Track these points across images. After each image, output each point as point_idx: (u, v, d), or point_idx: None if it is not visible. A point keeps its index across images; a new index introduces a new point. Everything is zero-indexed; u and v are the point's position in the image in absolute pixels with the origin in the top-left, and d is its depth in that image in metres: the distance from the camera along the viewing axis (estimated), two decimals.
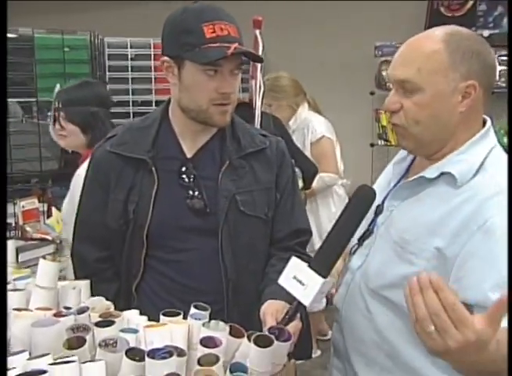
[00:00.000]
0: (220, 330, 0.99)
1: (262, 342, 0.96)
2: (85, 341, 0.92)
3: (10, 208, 2.64)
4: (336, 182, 3.13)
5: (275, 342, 0.97)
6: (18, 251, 1.56)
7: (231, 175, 1.38)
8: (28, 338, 0.97)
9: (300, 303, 1.04)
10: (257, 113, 2.39)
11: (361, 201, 1.08)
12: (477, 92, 1.08)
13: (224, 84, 1.30)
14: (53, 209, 2.26)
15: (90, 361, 0.90)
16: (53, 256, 1.44)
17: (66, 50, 3.38)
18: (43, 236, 2.18)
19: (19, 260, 1.55)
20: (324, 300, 2.71)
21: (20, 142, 3.02)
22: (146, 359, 0.88)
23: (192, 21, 1.28)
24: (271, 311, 1.16)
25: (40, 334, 0.95)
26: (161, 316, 1.07)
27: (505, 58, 3.41)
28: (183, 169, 1.39)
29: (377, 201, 1.19)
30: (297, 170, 1.98)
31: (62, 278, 1.47)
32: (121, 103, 3.73)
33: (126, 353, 0.90)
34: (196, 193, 1.37)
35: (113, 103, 2.29)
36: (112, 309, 1.12)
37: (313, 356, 2.86)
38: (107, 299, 1.18)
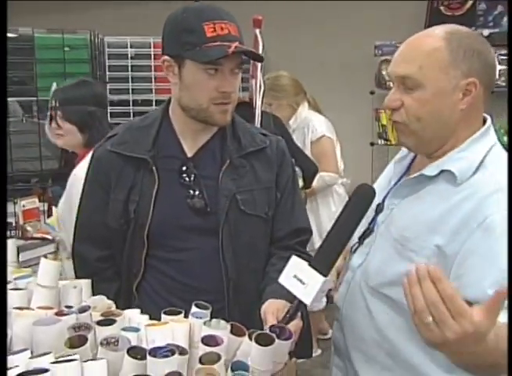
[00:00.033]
0: (221, 329, 1.00)
1: (263, 341, 0.96)
2: (87, 339, 0.93)
3: (10, 208, 2.64)
4: (336, 181, 3.13)
5: (277, 341, 0.97)
6: (18, 250, 1.56)
7: (231, 175, 1.38)
8: (30, 336, 0.97)
9: (300, 302, 1.04)
10: (258, 112, 2.39)
11: (360, 200, 1.08)
12: (478, 89, 1.09)
13: (224, 83, 1.31)
14: (53, 208, 2.25)
15: (92, 360, 0.90)
16: (54, 255, 1.44)
17: (67, 50, 3.38)
18: (43, 235, 2.18)
19: (20, 259, 1.55)
20: (324, 299, 2.71)
21: (21, 141, 3.03)
22: (148, 357, 0.88)
23: (193, 20, 1.29)
24: (272, 310, 1.16)
25: (41, 332, 0.95)
26: (163, 315, 1.07)
27: (505, 57, 3.42)
28: (184, 168, 1.39)
29: (378, 200, 1.19)
30: (297, 169, 1.98)
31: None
32: (121, 103, 3.74)
33: (128, 352, 0.90)
34: (197, 192, 1.37)
35: (107, 102, 2.27)
36: (113, 307, 1.12)
37: (313, 355, 2.85)
38: (108, 299, 1.18)
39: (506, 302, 0.89)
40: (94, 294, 1.22)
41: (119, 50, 3.73)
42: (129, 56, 3.73)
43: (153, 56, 3.70)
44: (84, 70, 3.47)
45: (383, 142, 4.01)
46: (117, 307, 1.15)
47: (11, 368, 0.88)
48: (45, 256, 1.18)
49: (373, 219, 1.21)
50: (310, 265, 1.04)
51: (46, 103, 2.20)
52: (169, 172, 1.39)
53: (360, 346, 1.19)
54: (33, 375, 0.82)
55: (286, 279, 1.06)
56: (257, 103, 2.40)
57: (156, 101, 3.70)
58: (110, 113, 3.70)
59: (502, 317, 0.86)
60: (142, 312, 1.16)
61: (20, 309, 1.04)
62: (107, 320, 1.01)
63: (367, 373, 1.18)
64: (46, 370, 0.83)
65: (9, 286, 1.15)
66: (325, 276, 1.02)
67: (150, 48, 3.70)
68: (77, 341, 0.93)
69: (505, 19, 3.73)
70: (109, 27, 3.73)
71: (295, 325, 1.07)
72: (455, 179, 1.09)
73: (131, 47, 3.74)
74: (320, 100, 3.29)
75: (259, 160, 1.43)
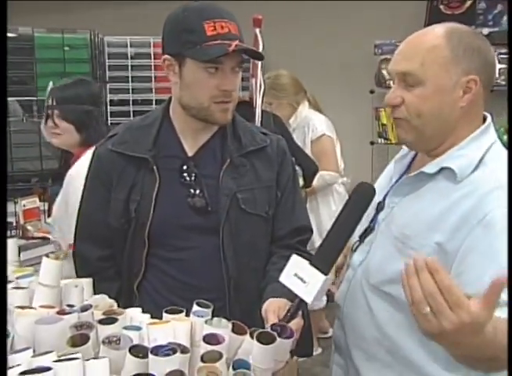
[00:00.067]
0: (223, 328, 1.00)
1: (265, 339, 0.97)
2: (89, 338, 0.93)
3: (11, 207, 2.64)
4: (336, 180, 3.13)
5: (278, 339, 0.98)
6: (19, 250, 1.56)
7: (232, 174, 1.39)
8: (32, 335, 0.97)
9: (301, 300, 1.05)
10: (258, 111, 2.39)
11: (360, 198, 1.09)
12: (478, 87, 1.09)
13: (225, 81, 1.31)
14: (54, 208, 2.25)
15: (94, 358, 0.90)
16: (56, 254, 1.44)
17: (66, 49, 3.38)
18: (44, 235, 2.18)
19: (21, 259, 1.55)
20: (324, 298, 2.72)
21: (21, 141, 3.02)
22: (150, 356, 0.89)
23: (194, 19, 1.29)
24: (273, 309, 1.16)
25: (44, 331, 0.95)
26: (164, 314, 1.07)
27: (504, 56, 3.42)
28: (184, 168, 1.39)
29: (378, 198, 1.19)
30: (297, 168, 1.98)
31: None
32: (121, 102, 3.74)
33: (130, 350, 0.90)
34: (198, 191, 1.37)
35: (102, 102, 2.26)
36: (115, 306, 1.13)
37: (314, 353, 2.86)
38: (109, 298, 1.18)
39: (505, 299, 0.90)
40: (95, 293, 1.22)
41: (119, 49, 3.73)
42: (129, 55, 3.73)
43: (152, 56, 3.70)
44: (84, 70, 3.47)
45: (383, 141, 4.00)
46: (118, 306, 1.15)
47: (13, 367, 0.88)
48: (47, 255, 1.18)
49: (374, 217, 1.21)
50: (311, 263, 1.05)
51: None
52: (170, 172, 1.39)
53: (361, 344, 1.20)
54: (35, 374, 0.82)
55: (286, 277, 1.07)
56: (257, 102, 2.40)
57: (156, 100, 3.70)
58: (110, 112, 3.72)
59: (501, 312, 0.87)
60: (143, 312, 1.16)
61: (22, 307, 1.05)
62: (109, 319, 1.02)
63: (368, 370, 1.18)
64: (49, 369, 0.83)
65: (10, 285, 1.16)
66: (326, 274, 1.02)
67: (150, 47, 3.70)
68: (79, 339, 0.93)
69: (505, 18, 3.73)
70: (109, 27, 3.73)
71: (296, 323, 1.08)
72: (455, 177, 1.09)
73: (130, 46, 3.74)
74: (320, 99, 3.29)
75: (260, 159, 1.43)
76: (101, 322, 1.01)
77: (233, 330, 1.01)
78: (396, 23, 3.67)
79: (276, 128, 2.40)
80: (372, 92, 3.94)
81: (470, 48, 1.09)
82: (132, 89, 3.75)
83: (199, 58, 1.28)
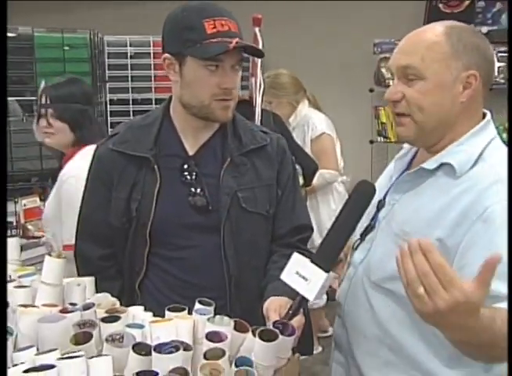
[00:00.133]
0: (225, 325, 1.01)
1: (267, 337, 0.97)
2: (92, 336, 0.94)
3: (11, 207, 2.65)
4: (336, 178, 3.13)
5: (280, 337, 0.98)
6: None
7: (232, 172, 1.39)
8: (35, 333, 0.98)
9: (303, 298, 1.05)
10: (258, 110, 2.39)
11: (361, 196, 1.09)
12: (478, 82, 1.10)
13: (225, 79, 1.31)
14: (45, 209, 2.23)
15: (97, 356, 0.90)
16: (58, 253, 1.44)
17: (66, 49, 3.37)
18: (44, 234, 2.18)
19: (21, 258, 1.56)
20: (324, 296, 2.72)
21: (21, 140, 3.02)
22: (153, 353, 0.89)
23: (193, 18, 1.30)
24: (274, 307, 1.17)
25: (47, 329, 0.95)
26: (167, 312, 1.08)
27: (504, 54, 3.43)
28: (185, 167, 1.39)
29: (379, 196, 1.20)
30: (297, 167, 1.99)
31: None
32: (121, 101, 3.74)
33: (133, 348, 0.91)
34: (198, 190, 1.38)
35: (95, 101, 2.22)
36: (117, 305, 1.13)
37: (314, 352, 2.87)
38: (112, 297, 1.18)
39: (504, 292, 0.91)
40: (97, 292, 1.23)
41: (118, 49, 3.73)
42: (129, 54, 3.73)
43: (152, 55, 3.70)
44: (83, 69, 3.47)
45: (382, 139, 4.02)
46: (121, 304, 1.16)
47: (17, 365, 0.89)
48: (49, 254, 1.18)
49: (375, 215, 1.22)
50: (312, 261, 1.05)
51: None
52: (171, 171, 1.39)
53: (362, 341, 1.20)
54: (39, 371, 0.83)
55: (288, 275, 1.07)
56: (257, 101, 2.41)
57: (155, 100, 3.70)
58: (110, 111, 3.72)
59: (503, 304, 0.88)
60: (145, 310, 1.17)
61: (25, 306, 1.05)
62: (112, 317, 1.02)
63: (369, 368, 1.19)
64: (52, 367, 0.83)
65: (13, 284, 1.16)
66: (327, 272, 1.03)
67: (150, 46, 3.70)
68: (82, 337, 0.93)
69: (503, 16, 3.74)
70: (109, 27, 3.73)
71: (298, 321, 1.08)
72: (454, 172, 1.10)
73: (130, 46, 3.73)
74: (320, 98, 3.29)
75: (260, 158, 1.43)
76: (104, 320, 1.01)
77: (235, 328, 1.01)
78: (395, 23, 3.68)
79: (276, 127, 2.41)
80: (371, 90, 3.95)
81: (469, 44, 1.10)
82: (132, 88, 3.75)
83: (199, 56, 1.29)
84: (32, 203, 2.50)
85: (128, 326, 1.01)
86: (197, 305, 1.08)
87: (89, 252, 1.46)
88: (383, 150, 3.97)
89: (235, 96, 1.36)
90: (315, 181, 2.90)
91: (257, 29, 2.34)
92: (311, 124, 3.08)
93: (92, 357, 0.89)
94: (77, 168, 1.86)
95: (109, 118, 3.71)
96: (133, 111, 3.69)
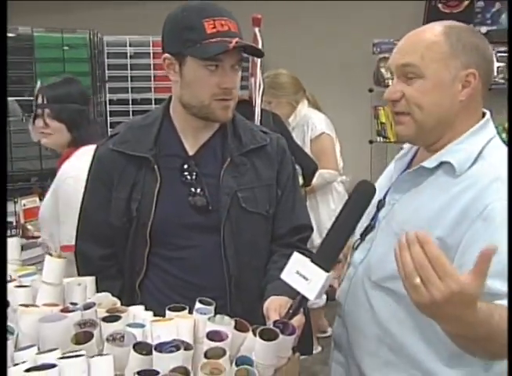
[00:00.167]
0: (225, 325, 1.01)
1: (267, 336, 0.97)
2: (93, 335, 0.94)
3: (11, 207, 2.65)
4: (335, 178, 3.13)
5: (281, 336, 0.98)
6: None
7: (232, 172, 1.39)
8: (36, 333, 0.98)
9: (303, 298, 1.05)
10: (257, 110, 2.40)
11: (361, 196, 1.09)
12: (477, 81, 1.10)
13: (225, 79, 1.32)
14: (41, 210, 2.22)
15: (98, 355, 0.91)
16: (58, 253, 1.45)
17: (66, 49, 3.37)
18: (41, 235, 2.17)
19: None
20: (324, 296, 2.73)
21: (20, 140, 3.01)
22: (154, 352, 0.90)
23: (193, 18, 1.30)
24: (274, 306, 1.17)
25: (48, 328, 0.96)
26: (167, 311, 1.08)
27: (503, 54, 3.43)
28: (185, 166, 1.40)
29: (379, 196, 1.20)
30: (296, 167, 1.99)
31: None
32: (121, 101, 3.74)
33: (134, 347, 0.91)
34: (198, 190, 1.38)
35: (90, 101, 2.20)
36: (118, 304, 1.13)
37: (314, 352, 2.88)
38: (112, 296, 1.19)
39: (504, 290, 0.91)
40: (98, 292, 1.23)
41: (118, 49, 3.73)
42: (128, 54, 3.73)
43: (152, 55, 3.71)
44: (83, 69, 3.47)
45: (382, 139, 4.02)
46: (121, 305, 1.16)
47: (18, 364, 0.89)
48: (50, 254, 1.18)
49: (375, 216, 1.22)
50: (312, 261, 1.05)
51: None
52: (171, 171, 1.39)
53: (362, 341, 1.20)
54: (40, 370, 0.83)
55: (288, 275, 1.07)
56: (256, 101, 2.41)
57: (155, 100, 3.70)
58: (110, 111, 3.72)
59: (503, 301, 0.89)
60: (145, 310, 1.17)
61: (26, 305, 1.05)
62: (112, 317, 1.03)
63: (369, 368, 1.19)
64: (53, 366, 0.84)
65: (13, 283, 1.16)
66: (327, 271, 1.03)
67: (149, 46, 3.70)
68: (83, 337, 0.94)
69: (503, 16, 3.75)
70: (109, 27, 3.73)
71: (298, 320, 1.08)
72: (454, 171, 1.10)
73: (130, 46, 3.74)
74: (319, 98, 3.29)
75: (260, 158, 1.43)
76: (104, 319, 1.01)
77: (236, 328, 1.02)
78: (395, 23, 3.68)
79: (276, 127, 2.41)
80: (371, 90, 3.95)
81: (468, 44, 1.10)
82: (131, 88, 3.75)
83: (199, 56, 1.29)
84: (32, 203, 2.50)
85: (129, 325, 1.02)
86: (198, 305, 1.08)
87: (90, 252, 1.46)
88: (382, 150, 3.98)
89: (235, 96, 1.37)
90: (314, 181, 2.90)
91: (256, 29, 2.35)
92: (310, 124, 3.09)
93: (93, 356, 0.89)
94: (75, 169, 1.86)
95: (108, 118, 3.71)
96: (133, 111, 3.69)
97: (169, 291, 1.40)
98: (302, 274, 1.04)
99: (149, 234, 1.37)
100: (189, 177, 1.39)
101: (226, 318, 1.03)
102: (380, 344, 1.16)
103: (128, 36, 3.72)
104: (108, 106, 3.72)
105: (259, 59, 2.37)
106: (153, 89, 3.75)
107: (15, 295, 1.09)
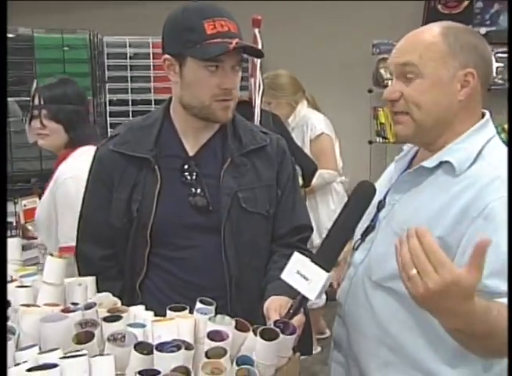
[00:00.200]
0: (226, 324, 1.01)
1: (268, 336, 0.98)
2: (94, 335, 0.94)
3: (11, 207, 2.65)
4: (335, 178, 3.14)
5: (281, 336, 0.99)
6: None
7: (233, 173, 1.39)
8: (37, 333, 0.98)
9: (303, 297, 1.06)
10: (257, 111, 2.40)
11: (361, 196, 1.10)
12: (476, 81, 1.11)
13: (226, 80, 1.32)
14: (37, 211, 2.22)
15: (99, 355, 0.91)
16: (61, 252, 1.45)
17: (66, 49, 3.38)
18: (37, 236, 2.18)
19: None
20: (324, 296, 2.73)
21: (20, 141, 3.01)
22: (155, 352, 0.90)
23: (194, 18, 1.30)
24: (274, 306, 1.17)
25: (49, 328, 0.96)
26: (168, 311, 1.08)
27: (502, 55, 3.44)
28: (185, 167, 1.40)
29: (379, 197, 1.20)
30: (296, 168, 1.99)
31: None
32: (120, 102, 3.74)
33: (135, 347, 0.91)
34: (199, 190, 1.38)
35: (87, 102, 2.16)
36: (119, 304, 1.14)
37: (313, 352, 2.88)
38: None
39: (505, 289, 0.91)
40: (98, 292, 1.23)
41: (118, 50, 3.73)
42: (128, 55, 3.73)
43: (151, 56, 3.71)
44: (83, 70, 3.47)
45: (381, 140, 4.03)
46: (122, 304, 1.16)
47: (20, 364, 0.89)
48: (51, 254, 1.18)
49: (375, 216, 1.22)
50: (313, 261, 1.06)
51: None
52: (171, 171, 1.40)
53: (362, 341, 1.20)
54: (42, 370, 0.83)
55: (288, 275, 1.07)
56: (256, 102, 2.42)
57: (155, 100, 3.71)
58: (109, 112, 3.72)
59: (503, 299, 0.89)
60: (145, 310, 1.17)
61: (27, 305, 1.05)
62: (113, 317, 1.03)
63: (369, 368, 1.19)
64: (55, 366, 0.84)
65: (15, 284, 1.16)
66: (328, 271, 1.04)
67: (149, 47, 3.70)
68: (84, 337, 0.94)
69: (501, 17, 3.75)
70: (108, 27, 3.73)
71: (298, 320, 1.09)
72: (454, 170, 1.11)
73: (130, 47, 3.74)
74: (319, 99, 3.30)
75: (260, 158, 1.44)
76: (105, 319, 1.02)
77: (236, 327, 1.02)
78: (395, 23, 3.69)
79: (276, 128, 2.41)
80: (370, 91, 3.96)
81: (466, 44, 1.11)
82: (131, 89, 3.75)
83: (199, 56, 1.29)
84: (32, 203, 2.50)
85: (130, 325, 1.02)
86: (198, 305, 1.09)
87: (91, 253, 1.46)
88: (381, 151, 3.99)
89: (235, 97, 1.37)
90: (314, 181, 2.91)
91: (256, 30, 2.35)
92: (310, 124, 3.09)
93: (94, 356, 0.89)
94: (73, 169, 1.86)
95: (108, 119, 3.71)
96: (132, 112, 3.69)
97: (169, 291, 1.40)
98: (302, 274, 1.05)
99: (149, 235, 1.38)
100: (189, 177, 1.39)
101: (227, 318, 1.03)
102: (380, 344, 1.17)
103: (127, 37, 3.72)
104: (108, 106, 3.72)
105: (259, 60, 2.37)
106: (152, 90, 3.75)
107: (16, 295, 1.10)
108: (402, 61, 1.13)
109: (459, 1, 3.85)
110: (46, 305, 1.07)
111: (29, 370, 0.84)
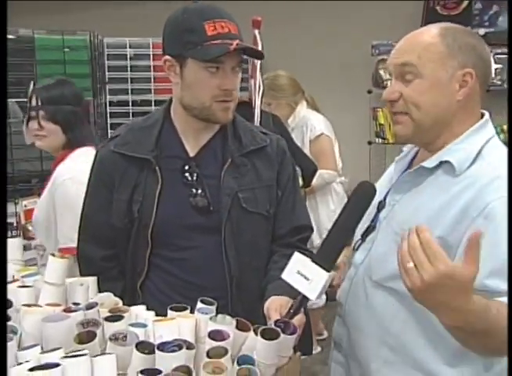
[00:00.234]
0: (227, 324, 1.01)
1: (268, 335, 0.98)
2: (95, 335, 0.94)
3: (11, 208, 2.66)
4: (335, 179, 3.15)
5: (282, 335, 0.99)
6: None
7: (233, 173, 1.40)
8: (39, 332, 0.98)
9: (304, 297, 1.06)
10: (257, 111, 2.41)
11: (361, 197, 1.10)
12: (474, 81, 1.11)
13: (226, 81, 1.32)
14: (35, 211, 2.21)
15: (101, 355, 0.91)
16: (60, 253, 1.45)
17: (66, 50, 3.38)
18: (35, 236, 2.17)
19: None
20: (324, 296, 2.73)
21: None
22: (156, 352, 0.90)
23: (194, 20, 1.31)
24: (275, 306, 1.18)
25: (51, 328, 0.96)
26: (169, 311, 1.09)
27: (501, 56, 3.45)
28: (186, 168, 1.40)
29: (379, 198, 1.21)
30: (296, 168, 2.00)
31: None
32: (121, 103, 3.75)
33: (136, 347, 0.92)
34: (199, 191, 1.39)
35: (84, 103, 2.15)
36: (120, 304, 1.14)
37: (313, 352, 2.88)
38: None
39: (505, 288, 0.92)
40: (99, 292, 1.23)
41: (118, 51, 3.74)
42: (128, 56, 3.74)
43: (152, 57, 3.72)
44: (83, 71, 3.48)
45: (380, 140, 4.04)
46: (124, 304, 1.17)
47: (22, 363, 0.89)
48: (53, 254, 1.19)
49: (375, 216, 1.23)
50: (313, 261, 1.06)
51: None
52: (172, 172, 1.40)
53: (363, 341, 1.21)
54: (44, 370, 0.84)
55: (289, 275, 1.08)
56: (256, 103, 2.42)
57: (155, 101, 3.72)
58: (110, 113, 3.73)
59: (503, 298, 0.90)
60: (147, 310, 1.18)
61: (29, 305, 1.06)
62: (115, 316, 1.03)
63: (370, 367, 1.19)
64: (57, 365, 0.84)
65: (16, 284, 1.17)
66: (328, 271, 1.04)
67: (149, 48, 3.71)
68: (85, 336, 0.94)
69: (500, 18, 3.76)
70: (108, 28, 3.74)
71: (299, 320, 1.09)
72: (453, 170, 1.11)
73: (130, 47, 3.75)
74: (318, 99, 3.31)
75: (260, 159, 1.44)
76: (107, 319, 1.02)
77: (237, 327, 1.02)
78: (394, 24, 3.70)
79: (275, 128, 2.42)
80: (369, 92, 3.96)
81: (464, 44, 1.12)
82: (132, 90, 3.76)
83: (200, 58, 1.30)
84: (32, 204, 2.50)
85: (131, 325, 1.02)
86: (199, 305, 1.09)
87: (92, 253, 1.47)
88: (381, 151, 3.99)
89: (235, 98, 1.37)
90: (314, 181, 2.91)
91: (256, 31, 2.36)
92: (309, 125, 3.10)
93: (96, 356, 0.90)
94: (72, 170, 1.86)
95: (108, 120, 3.72)
96: (133, 113, 3.71)
97: (170, 291, 1.40)
98: (303, 274, 1.05)
99: (150, 235, 1.38)
100: (190, 178, 1.40)
101: (228, 318, 1.04)
102: (381, 344, 1.17)
103: (127, 38, 3.73)
104: (108, 107, 3.73)
105: (259, 61, 2.38)
106: (152, 91, 3.76)
107: (18, 295, 1.10)
108: (400, 61, 1.13)
109: (458, 2, 3.86)
110: (48, 305, 1.08)
111: (31, 369, 0.84)
